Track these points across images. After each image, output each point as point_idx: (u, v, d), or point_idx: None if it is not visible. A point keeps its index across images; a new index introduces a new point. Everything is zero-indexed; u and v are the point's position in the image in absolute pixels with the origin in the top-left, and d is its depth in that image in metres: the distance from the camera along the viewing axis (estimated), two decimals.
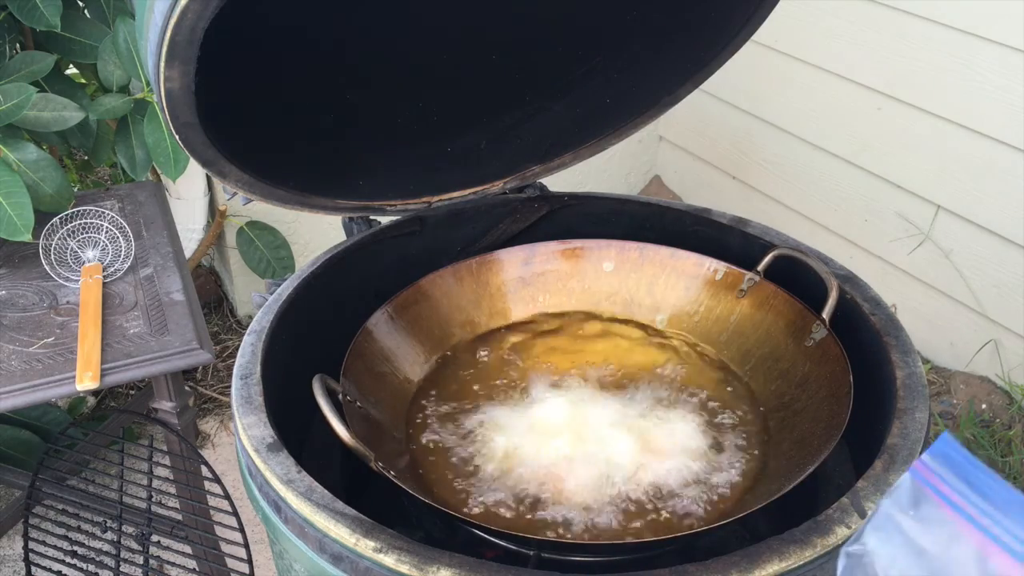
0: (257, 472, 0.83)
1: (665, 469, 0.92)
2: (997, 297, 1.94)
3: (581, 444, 0.94)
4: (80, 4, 1.68)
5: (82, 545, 1.42)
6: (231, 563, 1.39)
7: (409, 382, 1.06)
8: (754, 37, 1.09)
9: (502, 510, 0.89)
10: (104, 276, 1.40)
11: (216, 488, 1.37)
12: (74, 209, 1.45)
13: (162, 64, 0.77)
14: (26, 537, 1.45)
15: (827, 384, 0.94)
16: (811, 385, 0.97)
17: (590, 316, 1.16)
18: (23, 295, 1.39)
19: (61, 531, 1.44)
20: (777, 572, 0.71)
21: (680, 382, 1.05)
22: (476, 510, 0.89)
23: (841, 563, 0.52)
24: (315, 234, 2.25)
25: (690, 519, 0.88)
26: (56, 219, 1.43)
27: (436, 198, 1.16)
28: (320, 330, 1.03)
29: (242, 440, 0.86)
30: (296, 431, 0.95)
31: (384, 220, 1.16)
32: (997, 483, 0.51)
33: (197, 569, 1.44)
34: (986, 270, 1.94)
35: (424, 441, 0.98)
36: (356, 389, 0.94)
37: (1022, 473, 1.88)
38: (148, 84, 1.60)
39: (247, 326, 0.99)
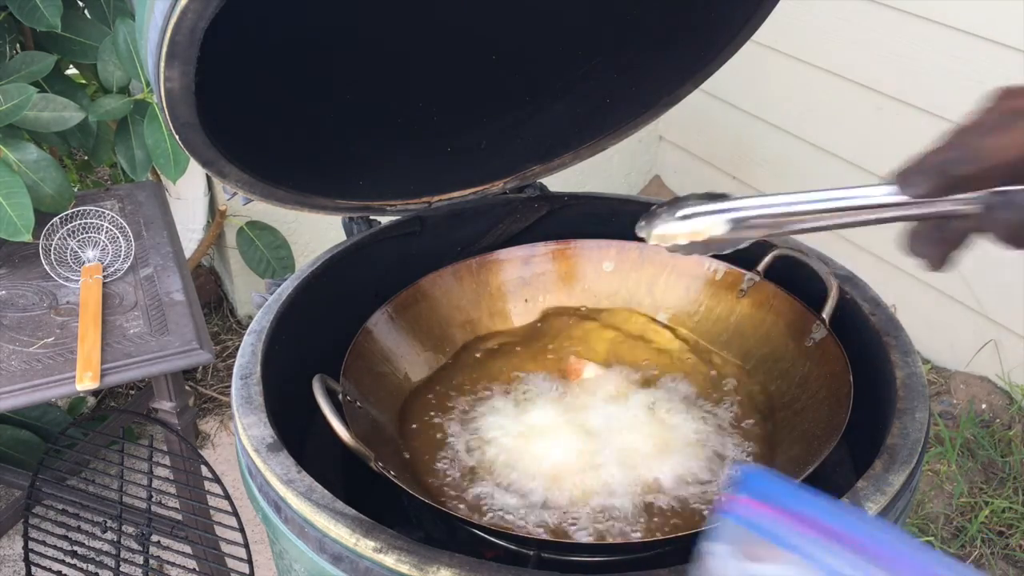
0: (257, 472, 0.83)
1: (665, 469, 0.92)
2: (997, 297, 1.94)
3: (581, 443, 0.94)
4: (80, 4, 1.68)
5: (82, 545, 1.42)
6: (231, 563, 1.40)
7: (409, 382, 1.06)
8: (754, 37, 1.09)
9: (502, 510, 0.89)
10: (104, 276, 1.40)
11: (216, 488, 1.37)
12: (74, 209, 1.45)
13: (162, 64, 0.77)
14: (26, 537, 1.45)
15: (827, 384, 0.94)
16: (811, 385, 0.97)
17: (590, 316, 1.16)
18: (23, 295, 1.39)
19: (61, 531, 1.44)
20: None
21: (680, 382, 1.05)
22: (476, 510, 0.89)
23: None
24: (315, 234, 2.25)
25: (690, 519, 0.88)
26: (56, 219, 1.43)
27: (436, 198, 1.16)
28: (320, 330, 1.03)
29: (242, 440, 0.86)
30: (296, 431, 0.95)
31: (384, 220, 1.16)
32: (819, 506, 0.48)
33: (197, 569, 1.44)
34: (986, 270, 1.94)
35: (424, 441, 0.98)
36: (356, 389, 0.94)
37: (1022, 473, 1.88)
38: (148, 85, 1.60)
39: (247, 326, 0.99)
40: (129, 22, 1.57)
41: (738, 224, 0.65)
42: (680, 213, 0.68)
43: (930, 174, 0.54)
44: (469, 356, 1.11)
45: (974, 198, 0.54)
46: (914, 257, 0.57)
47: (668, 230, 0.68)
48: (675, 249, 0.68)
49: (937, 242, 0.56)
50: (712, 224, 0.66)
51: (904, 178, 0.56)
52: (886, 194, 0.57)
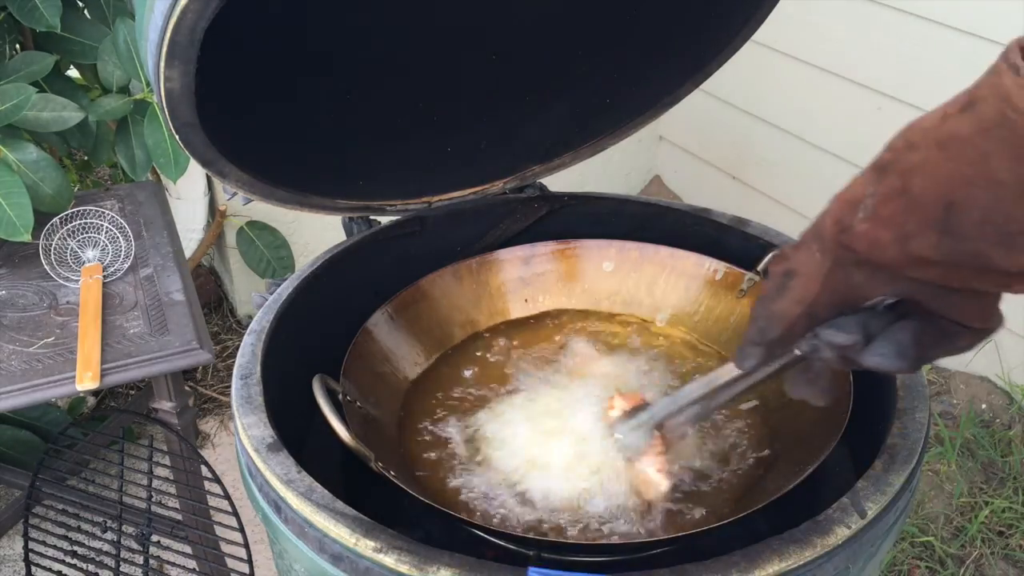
0: (257, 472, 0.83)
1: (663, 469, 0.92)
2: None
3: (581, 443, 0.94)
4: (80, 4, 1.68)
5: (82, 545, 1.42)
6: (231, 563, 1.39)
7: (409, 382, 1.06)
8: (754, 37, 1.09)
9: (502, 510, 0.89)
10: (104, 276, 1.40)
11: (216, 488, 1.37)
12: (74, 209, 1.45)
13: (162, 64, 0.77)
14: (26, 537, 1.45)
15: None
16: None
17: (590, 316, 1.16)
18: (23, 295, 1.39)
19: (61, 531, 1.44)
20: (777, 572, 0.71)
21: (681, 382, 1.05)
22: (476, 510, 0.89)
23: None
24: (315, 234, 2.25)
25: (690, 519, 0.88)
26: (56, 219, 1.43)
27: (436, 198, 1.16)
28: (320, 330, 1.03)
29: (242, 440, 0.86)
30: (296, 431, 0.95)
31: (384, 220, 1.16)
32: None
33: (197, 569, 1.44)
34: None
35: (424, 440, 0.98)
36: (356, 389, 0.94)
37: (1022, 473, 1.88)
38: (148, 84, 1.60)
39: (247, 326, 0.99)
40: (129, 22, 1.57)
41: (668, 423, 0.86)
42: (619, 434, 0.90)
43: (753, 346, 0.64)
44: (469, 355, 1.11)
45: (804, 343, 0.62)
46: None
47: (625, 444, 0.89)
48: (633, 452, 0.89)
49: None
50: (643, 437, 0.88)
51: (738, 358, 0.66)
52: (736, 370, 0.70)
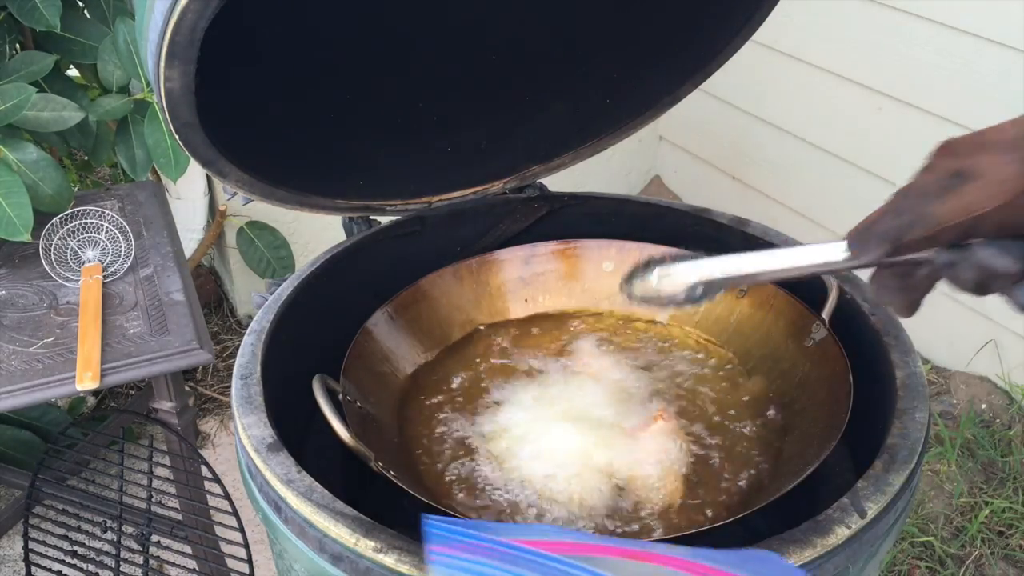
0: (257, 472, 0.83)
1: (665, 469, 0.92)
2: (997, 297, 1.94)
3: (581, 442, 0.94)
4: (80, 4, 1.68)
5: (82, 545, 1.42)
6: (231, 563, 1.40)
7: (409, 382, 1.06)
8: (754, 37, 1.09)
9: (504, 509, 0.89)
10: (104, 276, 1.40)
11: (216, 488, 1.37)
12: (74, 209, 1.45)
13: (162, 64, 0.77)
14: (26, 537, 1.45)
15: (827, 384, 0.94)
16: (811, 385, 0.97)
17: (590, 316, 1.16)
18: (23, 295, 1.39)
19: (61, 531, 1.44)
20: None
21: (680, 382, 1.05)
22: (477, 509, 0.89)
23: None
24: (315, 234, 2.25)
25: (690, 519, 0.88)
26: (56, 219, 1.43)
27: (436, 198, 1.16)
28: (320, 330, 1.03)
29: (242, 440, 0.86)
30: (296, 431, 0.95)
31: (384, 220, 1.16)
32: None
33: (197, 569, 1.44)
34: None
35: (424, 440, 0.98)
36: (356, 389, 0.94)
37: (1022, 473, 1.88)
38: (148, 84, 1.60)
39: (247, 326, 1.00)
40: (129, 22, 1.57)
41: (709, 286, 0.71)
42: (656, 273, 0.74)
43: (883, 240, 0.55)
44: (469, 355, 1.11)
45: (945, 254, 0.55)
46: (882, 304, 0.58)
47: (647, 290, 0.75)
48: (652, 305, 0.75)
49: (903, 290, 0.57)
50: (686, 286, 0.72)
51: (858, 243, 0.56)
52: (842, 255, 0.59)
